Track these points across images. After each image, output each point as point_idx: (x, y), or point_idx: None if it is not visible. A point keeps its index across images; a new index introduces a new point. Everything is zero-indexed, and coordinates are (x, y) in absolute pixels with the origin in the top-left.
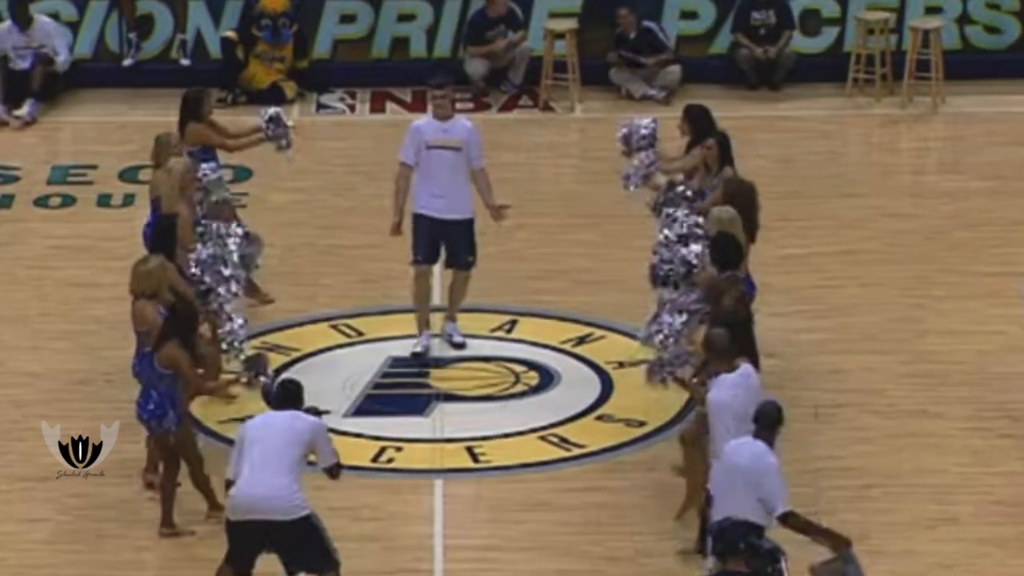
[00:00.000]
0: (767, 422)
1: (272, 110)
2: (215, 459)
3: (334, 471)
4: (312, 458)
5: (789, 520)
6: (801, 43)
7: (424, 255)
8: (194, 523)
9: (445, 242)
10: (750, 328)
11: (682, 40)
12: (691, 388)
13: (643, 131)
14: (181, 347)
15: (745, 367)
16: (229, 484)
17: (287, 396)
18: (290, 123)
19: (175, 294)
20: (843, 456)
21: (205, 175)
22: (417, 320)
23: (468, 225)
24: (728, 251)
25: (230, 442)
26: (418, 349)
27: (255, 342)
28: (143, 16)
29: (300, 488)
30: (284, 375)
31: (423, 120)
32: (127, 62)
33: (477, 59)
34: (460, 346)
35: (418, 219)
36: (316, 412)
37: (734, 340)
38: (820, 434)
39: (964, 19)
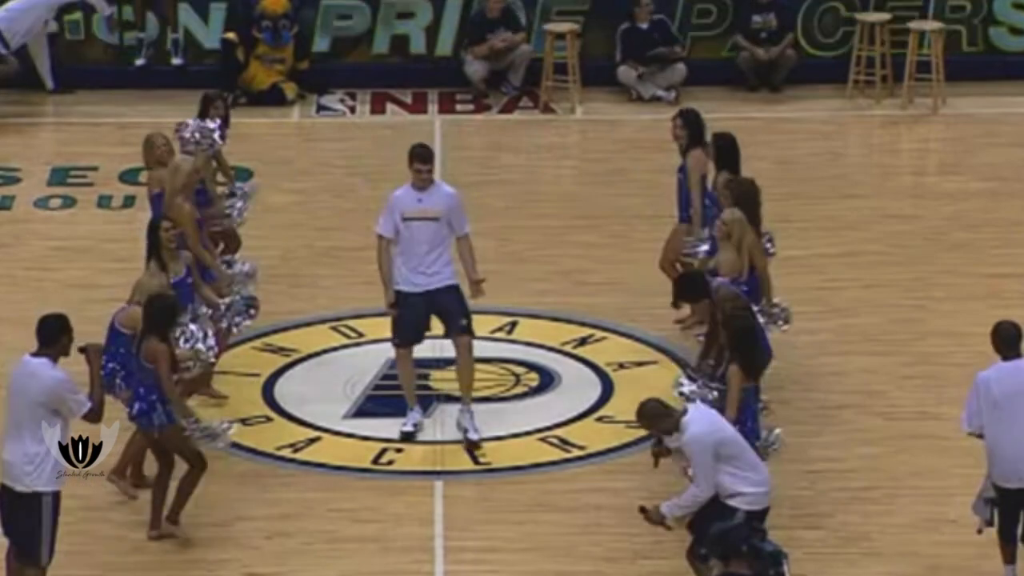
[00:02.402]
0: (1012, 340)
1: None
2: (211, 462)
3: (91, 417)
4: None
5: None
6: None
7: (403, 339)
8: (192, 526)
9: (437, 313)
10: (752, 334)
11: (695, 41)
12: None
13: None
14: (161, 342)
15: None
16: None
17: (44, 335)
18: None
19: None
20: (844, 457)
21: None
22: (406, 396)
23: (454, 290)
24: (690, 286)
25: (230, 444)
26: (408, 428)
27: (257, 343)
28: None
29: (43, 457)
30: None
31: (401, 190)
32: (139, 62)
33: (477, 61)
34: (476, 444)
35: (399, 298)
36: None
37: (740, 350)
38: (820, 435)
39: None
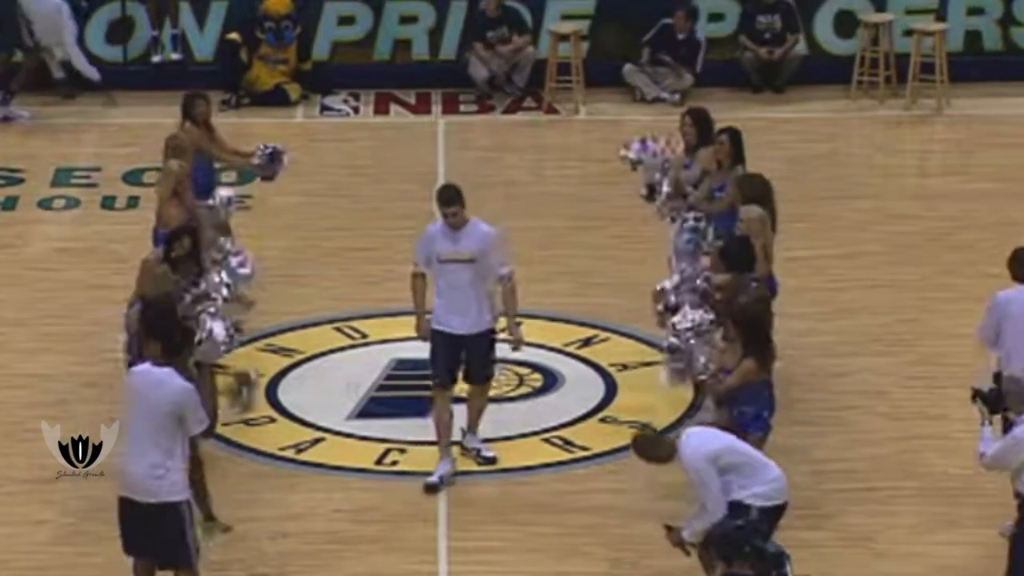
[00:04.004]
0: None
1: (277, 146)
2: (213, 463)
3: (206, 433)
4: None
5: None
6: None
7: (441, 377)
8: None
9: (464, 356)
10: (764, 326)
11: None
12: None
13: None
14: (160, 346)
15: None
16: None
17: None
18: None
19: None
20: (848, 458)
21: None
22: (439, 445)
23: (487, 337)
24: (740, 254)
25: (234, 444)
26: (434, 480)
27: (260, 344)
28: (128, 17)
29: (176, 466)
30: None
31: (436, 227)
32: (155, 59)
33: (481, 62)
34: (491, 461)
35: (435, 336)
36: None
37: (752, 340)
38: (825, 436)
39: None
